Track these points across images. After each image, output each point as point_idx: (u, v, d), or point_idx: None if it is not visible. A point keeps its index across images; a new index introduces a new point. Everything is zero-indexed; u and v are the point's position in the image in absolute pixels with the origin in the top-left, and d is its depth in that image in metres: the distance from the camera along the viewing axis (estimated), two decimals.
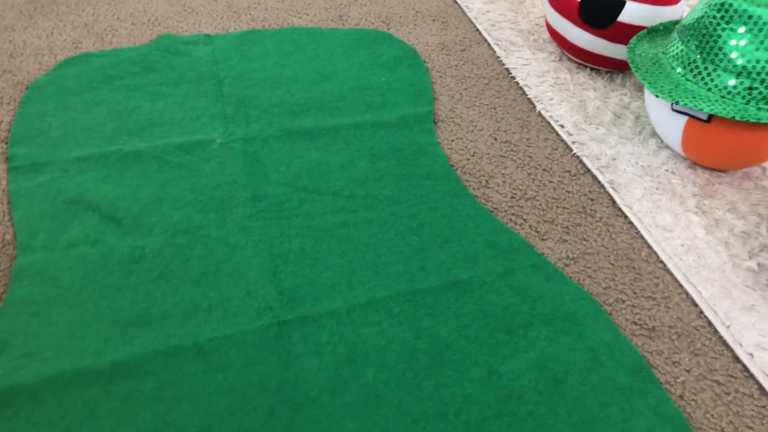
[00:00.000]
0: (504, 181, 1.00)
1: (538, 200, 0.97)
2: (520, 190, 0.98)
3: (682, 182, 0.98)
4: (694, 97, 0.90)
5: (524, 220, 0.94)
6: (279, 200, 0.94)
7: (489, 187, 0.99)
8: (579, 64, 1.22)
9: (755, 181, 0.99)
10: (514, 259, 0.86)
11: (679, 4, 1.12)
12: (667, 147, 1.04)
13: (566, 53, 1.21)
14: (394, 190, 0.96)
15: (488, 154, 1.05)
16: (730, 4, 0.87)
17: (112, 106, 1.10)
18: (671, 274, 0.86)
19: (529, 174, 1.01)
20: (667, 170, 1.00)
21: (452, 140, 1.08)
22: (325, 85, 1.17)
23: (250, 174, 0.98)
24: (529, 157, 1.04)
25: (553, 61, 1.23)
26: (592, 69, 1.21)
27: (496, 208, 0.95)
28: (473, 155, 1.05)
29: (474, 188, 0.99)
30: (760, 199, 0.96)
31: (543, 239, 0.90)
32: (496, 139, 1.08)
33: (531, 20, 1.34)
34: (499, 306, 0.81)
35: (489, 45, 1.29)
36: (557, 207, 0.96)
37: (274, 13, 1.36)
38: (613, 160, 1.02)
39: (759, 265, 0.87)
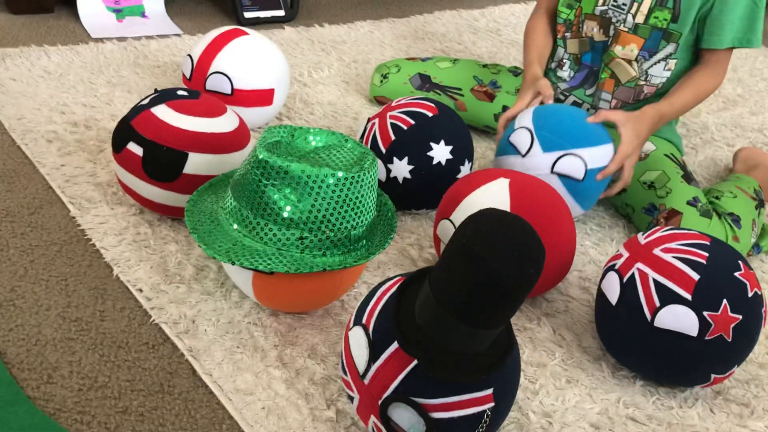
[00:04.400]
0: (71, 372, 0.88)
1: (110, 387, 0.87)
2: (90, 378, 0.88)
3: (265, 333, 0.97)
4: (252, 255, 0.89)
5: (92, 416, 0.83)
6: None
7: (52, 382, 0.87)
8: (160, 215, 1.16)
9: (334, 318, 1.02)
10: None
11: (244, 150, 1.13)
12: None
13: (144, 207, 1.15)
14: None
15: (54, 339, 0.93)
16: (266, 162, 0.89)
17: None
18: None
19: (102, 356, 0.91)
20: (249, 323, 0.98)
21: (10, 329, 0.93)
22: None
23: None
24: (103, 334, 0.95)
25: (134, 214, 1.16)
26: (174, 219, 1.16)
27: (59, 409, 0.83)
28: (36, 344, 0.92)
29: (33, 388, 0.86)
30: (339, 336, 0.98)
31: None
32: (65, 319, 0.96)
33: (111, 170, 1.26)
34: None
35: (63, 204, 1.18)
36: (132, 391, 0.87)
37: None
38: (193, 322, 0.97)
39: (338, 412, 0.87)
